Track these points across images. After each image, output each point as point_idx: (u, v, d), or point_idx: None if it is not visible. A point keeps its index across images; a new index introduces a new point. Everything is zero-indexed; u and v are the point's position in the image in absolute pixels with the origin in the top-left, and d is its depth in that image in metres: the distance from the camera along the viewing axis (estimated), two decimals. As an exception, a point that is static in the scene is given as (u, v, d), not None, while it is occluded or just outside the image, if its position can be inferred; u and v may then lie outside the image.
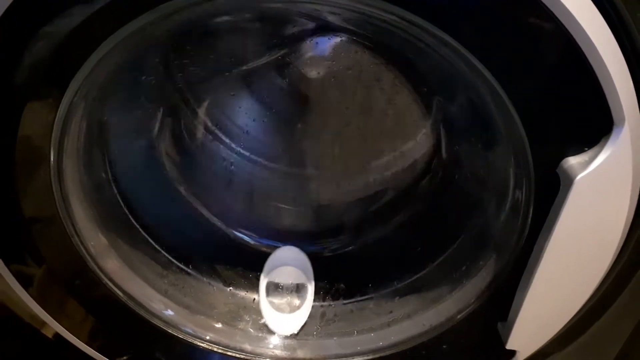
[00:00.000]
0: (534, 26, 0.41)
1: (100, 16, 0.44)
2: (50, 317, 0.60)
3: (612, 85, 0.42)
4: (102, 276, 0.61)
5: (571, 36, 0.41)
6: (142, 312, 0.64)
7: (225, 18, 0.62)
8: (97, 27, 0.44)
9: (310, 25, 0.64)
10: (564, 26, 0.40)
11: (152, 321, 0.64)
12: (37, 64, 0.45)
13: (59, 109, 0.49)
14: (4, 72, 0.46)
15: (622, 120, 0.43)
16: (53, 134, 0.50)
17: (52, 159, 0.52)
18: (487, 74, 0.45)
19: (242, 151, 0.77)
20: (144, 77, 0.64)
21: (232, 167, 0.78)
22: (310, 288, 0.72)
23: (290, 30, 0.64)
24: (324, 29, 0.64)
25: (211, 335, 0.67)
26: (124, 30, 0.45)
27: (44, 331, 0.64)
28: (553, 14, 0.40)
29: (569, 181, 0.45)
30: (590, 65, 0.41)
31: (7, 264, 0.56)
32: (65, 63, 0.46)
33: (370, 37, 0.63)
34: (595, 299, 0.55)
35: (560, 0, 0.40)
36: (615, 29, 0.42)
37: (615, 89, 0.42)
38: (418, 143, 0.74)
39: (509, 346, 0.56)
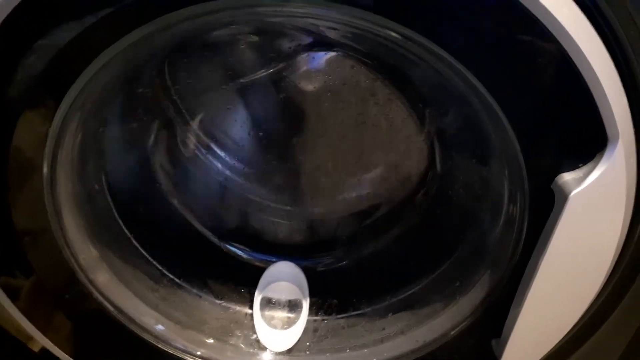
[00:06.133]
0: (529, 42, 0.42)
1: (97, 28, 0.44)
2: (37, 331, 0.59)
3: (606, 101, 0.42)
4: (92, 289, 0.60)
5: (566, 52, 0.41)
6: (132, 327, 0.63)
7: (223, 31, 0.62)
8: (94, 39, 0.44)
9: (308, 39, 0.64)
10: (558, 42, 0.41)
11: (143, 336, 0.63)
12: (33, 75, 0.45)
13: (54, 120, 0.49)
14: (-2, 81, 0.46)
15: (616, 136, 0.43)
16: (47, 145, 0.50)
17: (45, 170, 0.52)
18: (482, 89, 0.46)
19: (236, 164, 0.77)
20: (140, 90, 0.64)
21: (226, 180, 0.78)
22: (305, 304, 0.71)
23: (288, 44, 0.65)
24: (321, 43, 0.64)
25: (202, 350, 0.66)
26: (121, 43, 0.45)
27: (30, 345, 0.63)
28: (548, 30, 0.41)
29: (564, 197, 0.45)
30: (585, 82, 0.42)
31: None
32: (61, 75, 0.46)
33: (366, 52, 0.64)
34: (589, 315, 0.55)
35: (555, 17, 0.40)
36: (609, 45, 0.43)
37: (609, 105, 0.43)
38: (412, 157, 0.74)
39: (503, 363, 0.56)
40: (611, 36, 0.43)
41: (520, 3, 0.40)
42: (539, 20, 0.41)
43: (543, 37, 0.41)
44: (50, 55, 0.44)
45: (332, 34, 0.60)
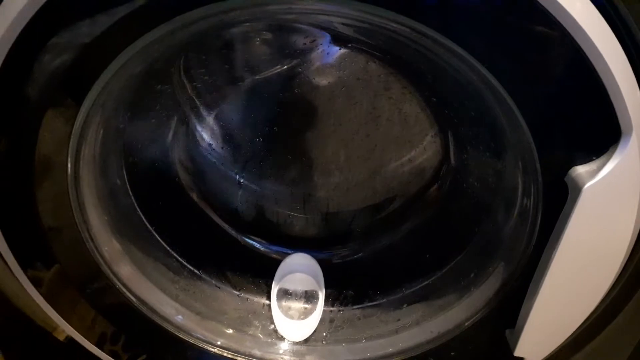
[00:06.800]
0: (542, 36, 0.42)
1: (118, 28, 0.44)
2: (62, 319, 0.61)
3: (620, 95, 0.42)
4: (116, 281, 0.61)
5: (579, 46, 0.41)
6: (154, 317, 0.64)
7: (238, 29, 0.63)
8: (115, 38, 0.45)
9: (322, 35, 0.65)
10: (571, 36, 0.41)
11: (164, 326, 0.65)
12: (56, 74, 0.46)
13: (77, 119, 0.50)
14: (22, 82, 0.47)
15: (630, 129, 0.43)
16: (71, 143, 0.51)
17: (69, 167, 0.53)
18: (495, 83, 0.46)
19: (252, 158, 0.78)
20: (159, 86, 0.65)
21: (243, 174, 0.79)
22: (321, 295, 0.72)
23: (302, 40, 0.65)
24: (335, 39, 0.65)
25: (222, 340, 0.68)
26: (142, 41, 0.46)
27: (55, 334, 0.64)
28: (560, 24, 0.41)
29: (577, 190, 0.45)
30: (598, 75, 0.42)
31: (23, 268, 0.56)
32: (83, 73, 0.47)
33: (380, 47, 0.64)
34: (603, 306, 0.55)
35: (567, 11, 0.40)
36: (622, 39, 0.43)
37: (622, 99, 0.42)
38: (426, 151, 0.75)
39: (517, 353, 0.56)
40: (623, 29, 0.43)
41: (533, -3, 0.40)
42: (551, 14, 0.40)
43: (555, 31, 0.41)
44: (73, 54, 0.45)
45: (344, 30, 0.60)
